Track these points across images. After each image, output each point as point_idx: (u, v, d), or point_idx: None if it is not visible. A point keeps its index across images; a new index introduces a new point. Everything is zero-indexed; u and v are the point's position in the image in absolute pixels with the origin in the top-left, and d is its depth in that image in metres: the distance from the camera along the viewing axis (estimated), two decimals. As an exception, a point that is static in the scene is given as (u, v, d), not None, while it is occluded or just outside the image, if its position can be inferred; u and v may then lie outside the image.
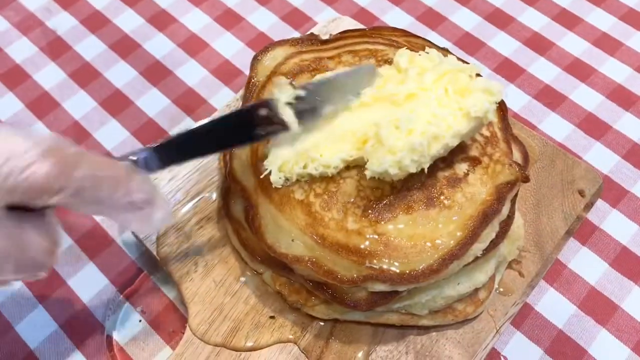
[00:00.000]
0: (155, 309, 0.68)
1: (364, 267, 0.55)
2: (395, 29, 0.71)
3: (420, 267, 0.54)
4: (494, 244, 0.58)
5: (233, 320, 0.63)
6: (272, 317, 0.64)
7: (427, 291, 0.60)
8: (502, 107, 0.65)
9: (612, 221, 0.75)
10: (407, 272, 0.54)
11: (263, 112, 0.54)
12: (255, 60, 0.66)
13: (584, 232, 0.74)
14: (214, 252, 0.67)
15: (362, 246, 0.55)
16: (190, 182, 0.71)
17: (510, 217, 0.60)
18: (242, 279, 0.65)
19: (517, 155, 0.63)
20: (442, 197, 0.57)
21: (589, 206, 0.71)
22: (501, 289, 0.66)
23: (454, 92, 0.54)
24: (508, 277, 0.67)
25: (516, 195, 0.61)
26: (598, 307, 0.69)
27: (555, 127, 0.82)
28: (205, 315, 0.63)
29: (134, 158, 0.50)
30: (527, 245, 0.68)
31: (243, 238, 0.64)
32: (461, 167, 0.59)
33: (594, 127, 0.82)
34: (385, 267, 0.54)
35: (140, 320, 0.67)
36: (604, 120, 0.82)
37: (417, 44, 0.68)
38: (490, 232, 0.57)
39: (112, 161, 0.46)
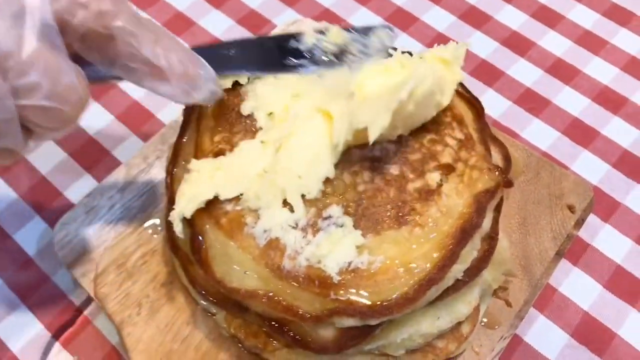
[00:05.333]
0: (95, 357, 0.60)
1: (329, 299, 0.47)
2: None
3: (394, 296, 0.47)
4: (477, 269, 0.51)
5: (182, 370, 0.55)
6: (227, 365, 0.56)
7: (403, 328, 0.52)
8: (476, 104, 0.58)
9: (604, 237, 0.68)
10: (379, 302, 0.47)
11: (294, 44, 0.55)
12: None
13: (574, 250, 0.67)
14: (161, 291, 0.59)
15: (324, 275, 0.47)
16: (132, 211, 0.63)
17: (493, 237, 0.53)
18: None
19: (497, 158, 0.56)
20: (413, 213, 0.50)
21: (579, 223, 0.65)
22: (486, 320, 0.59)
23: None
24: (494, 307, 0.60)
25: (499, 211, 0.54)
26: (593, 335, 0.62)
27: (539, 134, 0.75)
28: (150, 366, 0.55)
29: None
30: (514, 269, 0.61)
31: (191, 274, 0.56)
32: (433, 177, 0.52)
33: (580, 133, 0.75)
34: (353, 298, 0.47)
35: (76, 374, 0.59)
36: (591, 125, 0.76)
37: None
38: (470, 251, 0.50)
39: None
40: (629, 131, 0.75)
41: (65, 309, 0.62)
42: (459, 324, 0.56)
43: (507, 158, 0.59)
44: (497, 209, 0.55)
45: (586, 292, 0.65)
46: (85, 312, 0.62)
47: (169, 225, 0.57)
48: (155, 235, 0.62)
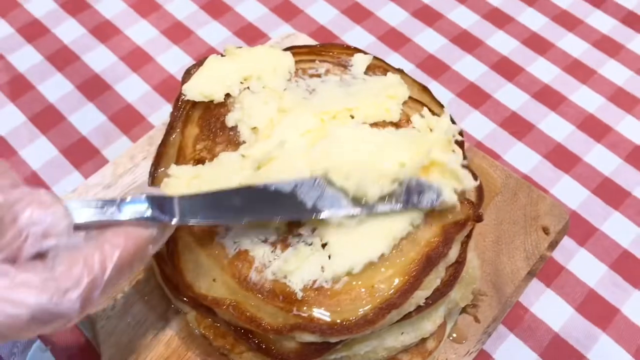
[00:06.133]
0: (68, 348, 0.61)
1: (291, 314, 0.48)
2: (348, 47, 0.65)
3: (354, 317, 0.47)
4: (441, 293, 0.52)
5: (151, 366, 0.56)
6: (195, 364, 0.57)
7: (367, 341, 0.53)
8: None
9: (579, 261, 0.69)
10: (339, 322, 0.47)
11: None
12: (187, 75, 0.59)
13: (548, 272, 0.68)
14: (136, 287, 0.60)
15: (289, 290, 0.48)
16: (116, 208, 0.64)
17: (460, 262, 0.53)
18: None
19: (470, 192, 0.57)
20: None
21: (553, 245, 0.65)
22: (454, 335, 0.60)
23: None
24: (462, 322, 0.60)
25: (469, 237, 0.55)
26: (562, 356, 0.63)
27: (521, 157, 0.76)
28: (118, 359, 0.56)
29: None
30: (485, 287, 0.61)
31: (166, 273, 0.57)
32: None
33: (562, 158, 0.76)
34: (315, 315, 0.48)
35: (48, 363, 0.60)
36: (573, 151, 0.77)
37: (372, 65, 0.62)
38: (434, 279, 0.50)
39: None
40: (611, 159, 0.76)
41: (44, 300, 0.63)
42: (425, 339, 0.57)
43: (480, 192, 0.59)
44: (468, 235, 0.56)
45: (558, 314, 0.65)
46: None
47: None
48: (135, 233, 0.63)
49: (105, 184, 0.66)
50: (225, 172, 0.52)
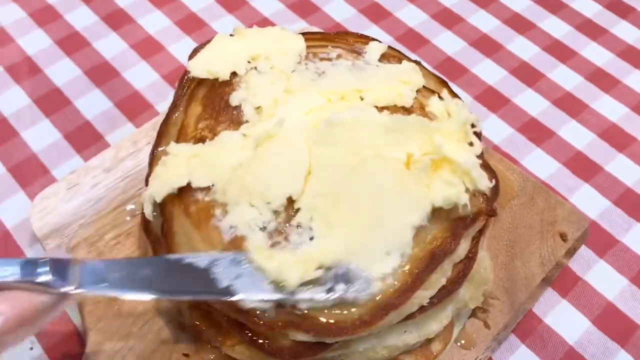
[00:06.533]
0: (54, 335, 0.58)
1: (285, 311, 0.45)
2: (362, 36, 0.62)
3: (349, 318, 0.44)
4: (447, 291, 0.48)
5: (138, 356, 0.53)
6: (186, 355, 0.53)
7: (366, 339, 0.49)
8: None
9: (598, 273, 0.65)
10: (334, 322, 0.44)
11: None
12: (194, 53, 0.57)
13: (564, 282, 0.64)
14: (129, 273, 0.57)
15: None
16: (115, 191, 0.62)
17: (470, 258, 0.50)
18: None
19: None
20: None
21: (571, 252, 0.62)
22: (462, 341, 0.56)
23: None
24: (471, 328, 0.57)
25: (482, 232, 0.52)
26: (577, 372, 0.59)
27: (540, 163, 0.73)
28: (106, 347, 0.53)
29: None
30: (496, 291, 0.58)
31: (160, 257, 0.54)
32: None
33: (583, 167, 0.73)
34: (309, 313, 0.45)
35: (31, 348, 0.57)
36: (594, 160, 0.73)
37: (387, 54, 0.60)
38: (439, 278, 0.47)
39: None
40: (633, 170, 0.73)
41: (33, 284, 0.61)
42: (430, 340, 0.53)
43: (495, 187, 0.56)
44: (481, 232, 0.53)
45: (573, 326, 0.61)
46: (53, 290, 0.61)
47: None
48: (130, 218, 0.61)
49: (105, 167, 0.64)
50: (225, 151, 0.50)
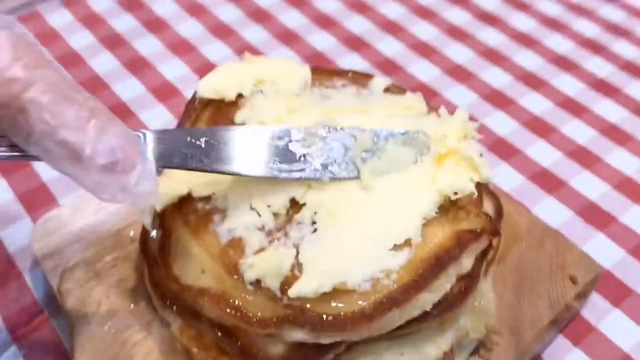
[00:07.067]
0: (44, 354, 0.57)
1: (281, 304, 0.44)
2: (366, 74, 0.63)
3: (349, 310, 0.43)
4: (450, 305, 0.46)
5: (124, 377, 0.51)
6: (174, 378, 0.52)
7: (363, 357, 0.47)
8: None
9: (612, 322, 0.62)
10: (332, 314, 0.43)
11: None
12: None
13: (577, 331, 0.61)
14: (122, 295, 0.56)
15: None
16: (117, 217, 0.62)
17: (473, 278, 0.48)
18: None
19: (489, 209, 0.53)
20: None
21: (581, 296, 0.59)
22: (464, 382, 0.53)
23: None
24: (474, 368, 0.54)
25: (484, 256, 0.50)
26: None
27: (551, 212, 0.71)
28: (91, 366, 0.52)
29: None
30: (500, 329, 0.55)
31: (154, 275, 0.53)
32: None
33: (596, 216, 0.71)
34: (306, 305, 0.43)
35: (17, 368, 0.56)
36: (608, 211, 0.72)
37: (391, 87, 0.61)
38: (443, 282, 0.46)
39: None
40: (649, 221, 0.71)
41: (28, 306, 0.60)
42: (428, 372, 0.51)
43: (498, 211, 0.56)
44: (484, 255, 0.51)
45: (585, 377, 0.58)
46: (46, 312, 0.60)
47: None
48: (130, 242, 0.60)
49: (111, 194, 0.64)
50: None
